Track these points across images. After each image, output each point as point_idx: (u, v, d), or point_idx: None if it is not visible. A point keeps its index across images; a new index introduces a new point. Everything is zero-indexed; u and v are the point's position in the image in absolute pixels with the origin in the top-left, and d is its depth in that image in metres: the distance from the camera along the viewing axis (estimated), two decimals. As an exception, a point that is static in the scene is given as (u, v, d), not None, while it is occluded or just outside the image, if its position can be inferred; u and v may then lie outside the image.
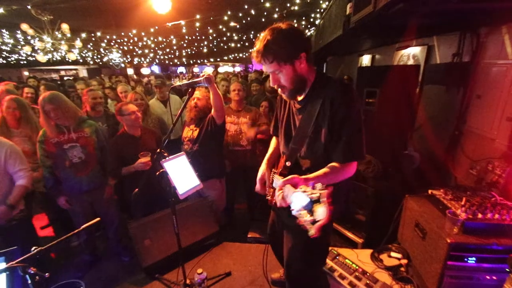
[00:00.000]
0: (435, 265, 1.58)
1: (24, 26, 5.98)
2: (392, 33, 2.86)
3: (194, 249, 2.51)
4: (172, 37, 10.41)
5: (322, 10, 6.11)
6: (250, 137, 2.81)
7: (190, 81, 1.72)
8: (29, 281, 1.07)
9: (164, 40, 11.14)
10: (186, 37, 10.63)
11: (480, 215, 1.54)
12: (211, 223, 2.65)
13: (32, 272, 1.07)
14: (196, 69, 25.53)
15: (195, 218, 2.59)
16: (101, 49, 13.02)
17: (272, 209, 1.79)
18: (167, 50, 15.54)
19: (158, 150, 1.67)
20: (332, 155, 1.25)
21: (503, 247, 1.45)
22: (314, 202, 1.00)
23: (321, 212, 0.97)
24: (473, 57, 2.21)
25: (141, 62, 21.43)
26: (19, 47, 9.61)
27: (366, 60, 5.09)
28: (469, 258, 1.50)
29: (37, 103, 2.28)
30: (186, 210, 2.57)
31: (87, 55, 14.96)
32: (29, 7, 5.49)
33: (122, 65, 18.66)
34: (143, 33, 9.11)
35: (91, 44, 11.13)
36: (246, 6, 6.34)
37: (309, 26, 8.48)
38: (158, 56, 18.87)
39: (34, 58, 10.33)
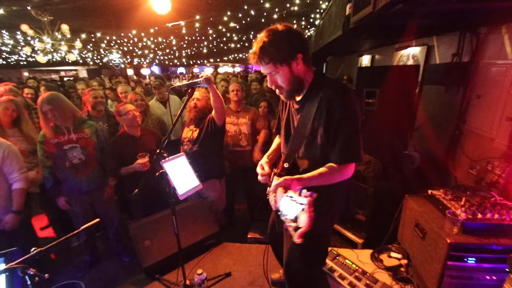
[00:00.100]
0: (435, 265, 1.58)
1: (24, 27, 5.97)
2: (392, 33, 2.86)
3: (194, 249, 2.51)
4: (172, 37, 10.41)
5: (321, 11, 6.11)
6: (257, 158, 2.73)
7: (190, 81, 1.73)
8: (29, 282, 1.07)
9: (164, 40, 11.14)
10: (186, 37, 10.62)
11: (479, 215, 1.54)
12: (211, 223, 2.65)
13: (32, 273, 1.06)
14: (196, 70, 25.53)
15: (195, 219, 2.59)
16: (101, 50, 13.01)
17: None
18: (167, 50, 15.53)
19: (158, 151, 1.67)
20: (330, 156, 1.24)
21: (503, 247, 1.45)
22: (296, 208, 1.01)
23: (303, 219, 0.98)
24: (473, 57, 2.21)
25: (141, 62, 21.42)
26: (19, 47, 9.60)
27: (366, 60, 5.10)
28: (469, 258, 1.50)
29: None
30: (186, 210, 2.57)
31: (87, 55, 14.94)
32: (29, 8, 5.49)
33: (122, 65, 18.66)
34: (143, 34, 9.11)
35: (91, 44, 11.12)
36: (245, 7, 6.34)
37: (308, 26, 8.48)
38: (158, 57, 18.86)
39: (34, 59, 10.32)
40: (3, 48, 10.61)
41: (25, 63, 15.56)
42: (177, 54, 17.24)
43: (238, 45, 13.47)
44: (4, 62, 15.13)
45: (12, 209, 2.01)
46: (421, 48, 3.05)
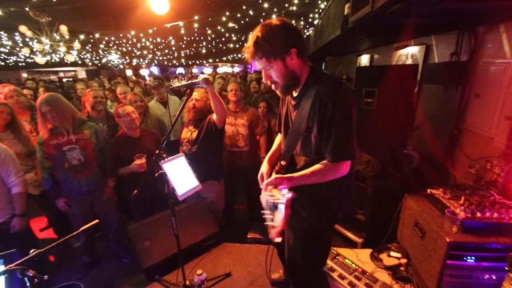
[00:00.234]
0: (435, 264, 1.59)
1: (23, 28, 5.96)
2: (390, 33, 2.86)
3: (194, 250, 2.50)
4: (170, 38, 10.41)
5: (320, 10, 6.11)
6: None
7: (189, 82, 1.73)
8: (28, 284, 1.07)
9: (163, 41, 11.13)
10: (185, 38, 10.62)
11: (479, 214, 1.54)
12: (210, 224, 2.65)
13: (31, 274, 1.06)
14: (195, 70, 25.54)
15: (195, 219, 2.58)
16: (100, 51, 13.00)
17: None
18: (166, 51, 15.53)
19: (157, 152, 1.67)
20: (323, 154, 1.23)
21: (502, 245, 1.45)
22: (275, 208, 1.01)
23: (278, 218, 0.98)
24: (471, 56, 2.21)
25: (140, 63, 21.41)
26: (18, 49, 9.58)
27: (364, 60, 5.10)
28: (468, 257, 1.51)
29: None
30: (186, 211, 2.57)
31: (85, 56, 14.93)
32: (27, 9, 5.48)
33: (121, 66, 18.65)
34: (141, 34, 9.10)
35: (89, 45, 11.11)
36: (244, 7, 6.35)
37: (307, 26, 8.49)
38: (157, 57, 18.86)
39: (32, 60, 10.31)
40: (2, 49, 10.60)
41: (23, 64, 15.53)
42: (176, 54, 17.24)
43: (237, 45, 13.47)
44: (3, 63, 15.10)
45: (16, 213, 2.03)
46: (419, 47, 3.06)
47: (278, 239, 1.02)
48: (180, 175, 1.73)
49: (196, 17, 6.83)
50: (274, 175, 1.25)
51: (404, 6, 1.49)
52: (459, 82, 2.32)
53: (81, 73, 20.05)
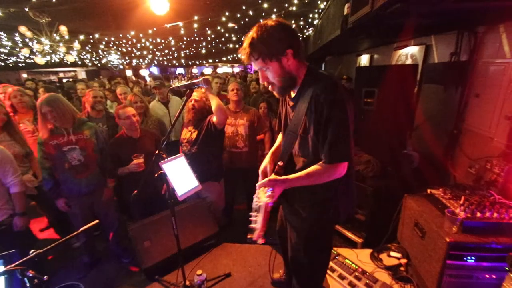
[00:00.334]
0: (435, 264, 1.59)
1: (22, 29, 5.96)
2: (390, 33, 2.86)
3: (194, 250, 2.50)
4: (170, 38, 10.41)
5: (320, 10, 6.11)
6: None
7: (188, 82, 1.73)
8: (28, 284, 1.06)
9: (163, 41, 11.13)
10: (185, 38, 10.63)
11: (479, 214, 1.54)
12: (210, 224, 2.65)
13: (31, 275, 1.06)
14: (195, 70, 25.54)
15: (194, 219, 2.58)
16: (100, 51, 13.00)
17: (281, 205, 1.78)
18: (166, 51, 15.54)
19: (157, 152, 1.67)
20: (320, 155, 1.23)
21: (502, 245, 1.45)
22: (258, 209, 1.02)
23: (258, 220, 0.99)
24: (471, 56, 2.21)
25: (140, 63, 21.41)
26: (17, 49, 9.59)
27: (364, 59, 5.11)
28: (468, 257, 1.51)
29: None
30: (185, 211, 2.57)
31: (85, 57, 14.93)
32: (26, 9, 5.48)
33: (121, 66, 18.66)
34: (141, 35, 9.10)
35: (89, 46, 11.11)
36: (244, 7, 6.35)
37: (307, 26, 8.49)
38: (156, 58, 18.86)
39: (32, 61, 10.32)
40: (2, 49, 10.60)
41: (23, 64, 15.54)
42: (175, 54, 17.25)
43: (237, 46, 13.47)
44: (3, 64, 15.12)
45: (16, 213, 2.04)
46: (419, 47, 3.06)
47: (260, 241, 1.02)
48: (180, 176, 1.73)
49: (195, 18, 6.82)
50: (272, 176, 1.25)
51: (403, 6, 1.50)
52: (458, 82, 2.32)
53: (81, 74, 20.06)
